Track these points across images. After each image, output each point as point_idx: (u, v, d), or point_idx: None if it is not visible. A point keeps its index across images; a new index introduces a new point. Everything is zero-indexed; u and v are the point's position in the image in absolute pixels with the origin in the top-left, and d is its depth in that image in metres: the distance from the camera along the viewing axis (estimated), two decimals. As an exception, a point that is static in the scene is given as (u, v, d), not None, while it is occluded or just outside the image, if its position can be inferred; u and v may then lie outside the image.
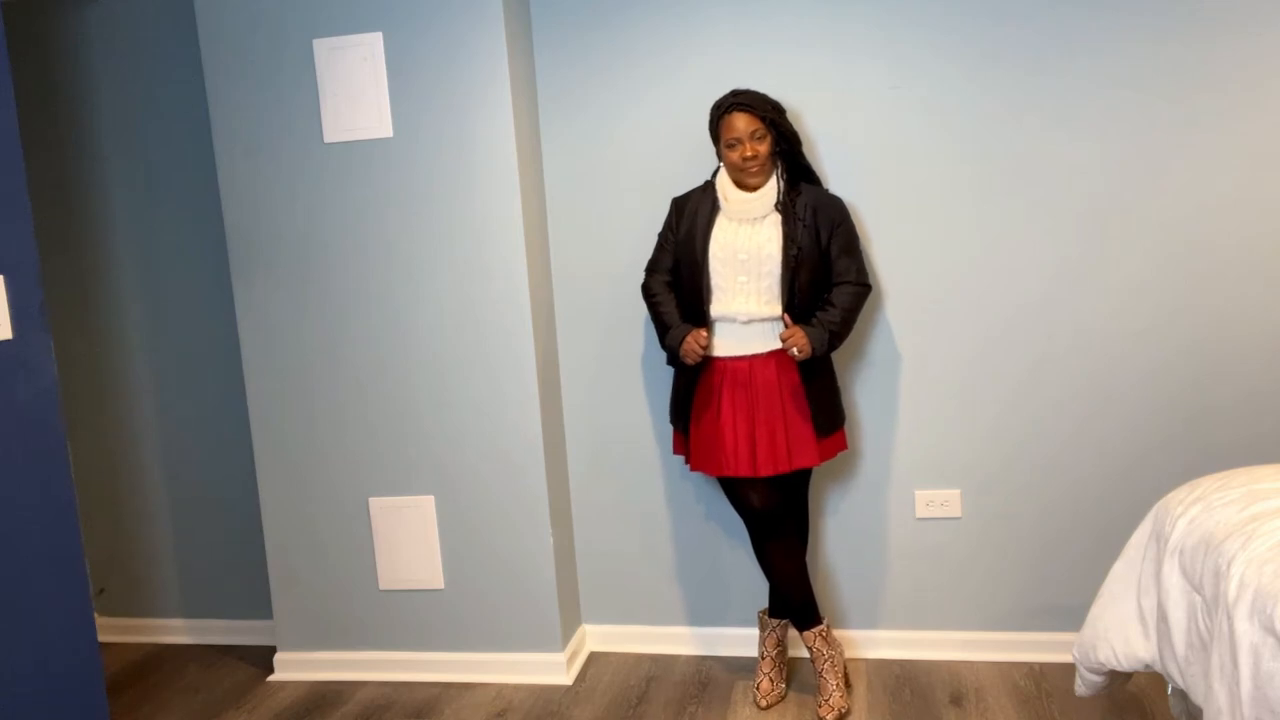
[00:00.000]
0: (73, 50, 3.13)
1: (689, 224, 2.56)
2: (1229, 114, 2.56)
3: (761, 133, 2.45)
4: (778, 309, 2.47)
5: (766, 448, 2.49)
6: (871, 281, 2.64)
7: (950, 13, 2.64)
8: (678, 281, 2.59)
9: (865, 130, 2.72)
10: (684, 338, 2.51)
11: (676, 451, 2.72)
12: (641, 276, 2.73)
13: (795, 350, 2.43)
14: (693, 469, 2.61)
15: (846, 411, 2.72)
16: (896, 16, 2.67)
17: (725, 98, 2.49)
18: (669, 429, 2.91)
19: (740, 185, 2.51)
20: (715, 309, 2.51)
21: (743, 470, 2.50)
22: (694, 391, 2.58)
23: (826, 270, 2.52)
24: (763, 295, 2.48)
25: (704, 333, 2.48)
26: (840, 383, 2.72)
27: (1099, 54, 2.59)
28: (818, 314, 2.49)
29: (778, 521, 2.56)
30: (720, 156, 2.53)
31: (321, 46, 2.72)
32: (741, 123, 2.44)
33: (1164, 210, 2.62)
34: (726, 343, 2.52)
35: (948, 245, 2.72)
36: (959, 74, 2.66)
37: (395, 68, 2.71)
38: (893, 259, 2.75)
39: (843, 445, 2.64)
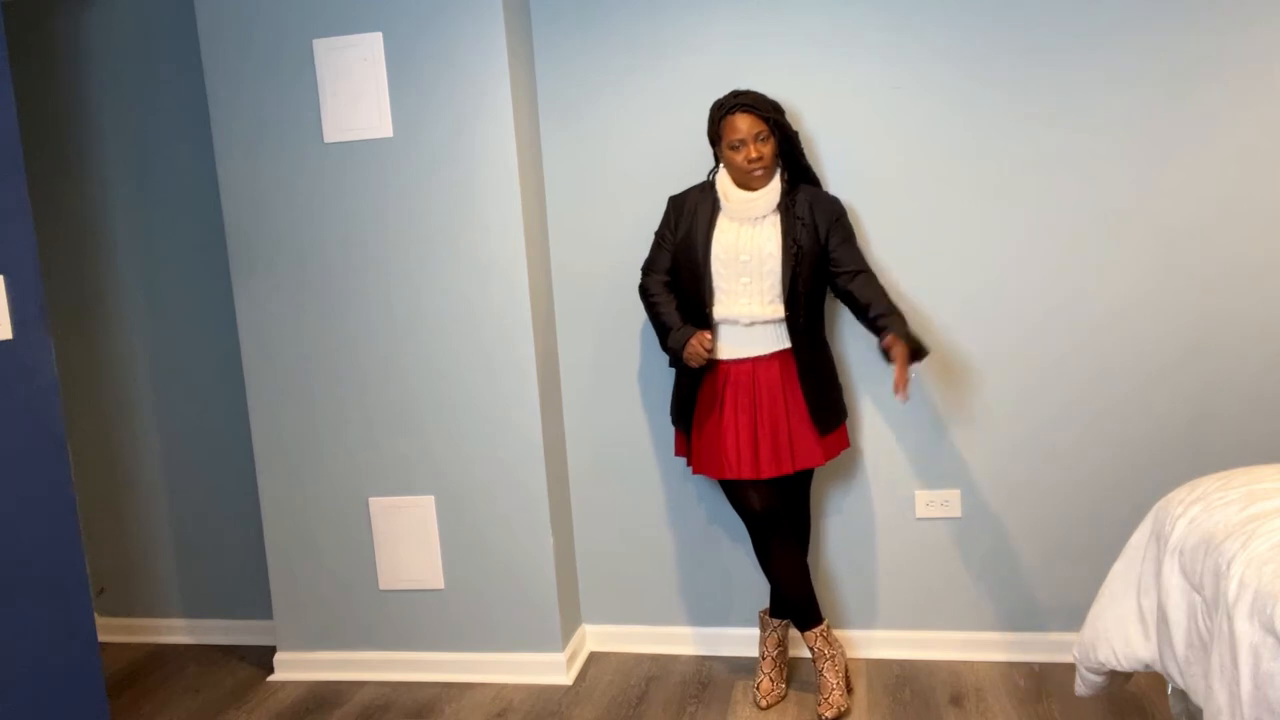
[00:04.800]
0: (72, 50, 3.13)
1: (688, 224, 2.54)
2: (1232, 113, 2.56)
3: (765, 134, 2.44)
4: (780, 310, 2.47)
5: (769, 449, 2.48)
6: None
7: (950, 12, 2.64)
8: (676, 282, 2.58)
9: (865, 130, 2.72)
10: (687, 340, 2.49)
11: (678, 453, 2.71)
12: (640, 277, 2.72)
13: (912, 372, 2.38)
14: (695, 471, 2.61)
15: (847, 411, 2.71)
16: (896, 16, 2.67)
17: (726, 98, 2.47)
18: (669, 429, 2.91)
19: (743, 186, 2.49)
20: (718, 311, 2.50)
21: (745, 473, 2.49)
22: (697, 394, 2.57)
23: (824, 267, 2.52)
24: (765, 295, 2.47)
25: (708, 335, 2.46)
26: (840, 382, 2.71)
27: (1099, 53, 2.59)
28: (877, 315, 2.43)
29: (779, 523, 2.56)
30: (719, 158, 2.52)
31: (321, 46, 2.72)
32: (745, 124, 2.43)
33: (1166, 210, 2.61)
34: (730, 345, 2.51)
35: (947, 245, 2.72)
36: (959, 74, 2.66)
37: (395, 68, 2.71)
38: (892, 259, 2.75)
39: (845, 443, 2.64)
